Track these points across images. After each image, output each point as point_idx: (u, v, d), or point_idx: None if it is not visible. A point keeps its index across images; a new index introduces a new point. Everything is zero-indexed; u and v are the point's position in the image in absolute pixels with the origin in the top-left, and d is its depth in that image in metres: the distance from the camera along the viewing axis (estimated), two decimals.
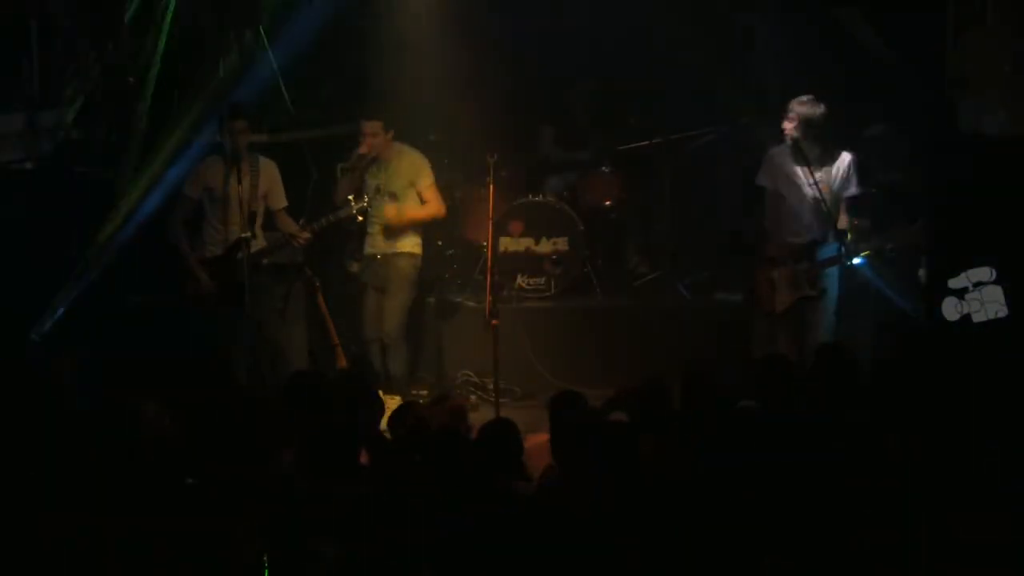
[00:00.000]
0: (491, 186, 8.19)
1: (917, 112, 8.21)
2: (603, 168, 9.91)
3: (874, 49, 8.65)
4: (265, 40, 8.93)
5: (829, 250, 7.85)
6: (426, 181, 8.58)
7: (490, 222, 8.22)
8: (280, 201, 8.30)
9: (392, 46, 9.54)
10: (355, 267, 9.08)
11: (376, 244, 8.66)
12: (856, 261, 7.78)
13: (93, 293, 8.31)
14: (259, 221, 8.20)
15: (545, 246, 9.57)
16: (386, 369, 8.61)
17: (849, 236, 7.81)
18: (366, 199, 8.32)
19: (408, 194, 8.55)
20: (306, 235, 8.16)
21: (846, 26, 8.77)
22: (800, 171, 7.86)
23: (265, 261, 8.21)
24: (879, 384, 6.15)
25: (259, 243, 8.16)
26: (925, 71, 8.07)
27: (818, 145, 7.87)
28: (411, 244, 8.64)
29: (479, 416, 7.41)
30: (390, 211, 8.53)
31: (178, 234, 8.18)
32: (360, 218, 8.32)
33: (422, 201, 8.59)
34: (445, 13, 9.56)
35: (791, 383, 6.27)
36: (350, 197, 8.29)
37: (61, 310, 8.21)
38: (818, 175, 7.79)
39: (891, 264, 7.98)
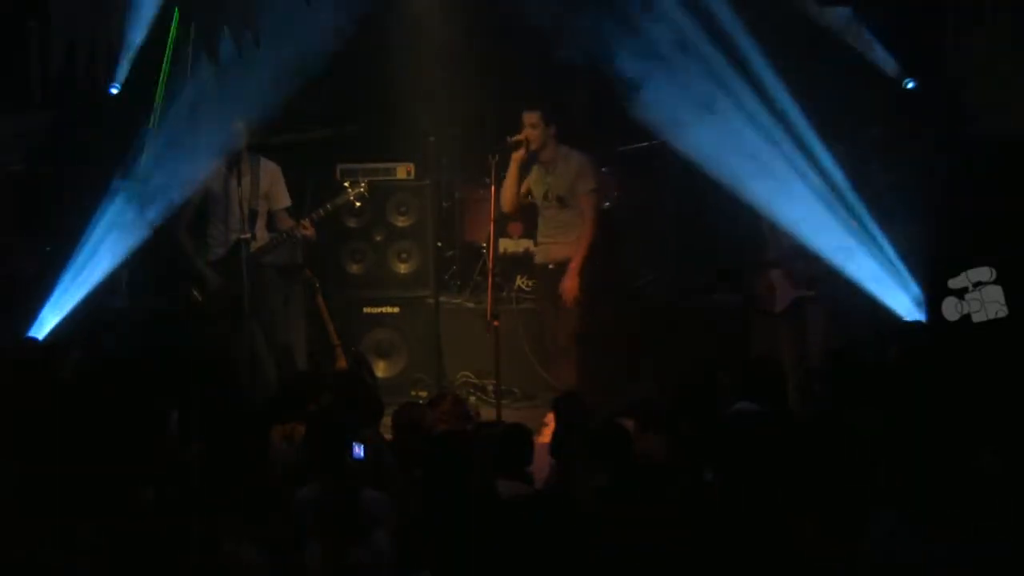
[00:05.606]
0: (492, 187, 8.18)
1: (918, 112, 8.21)
2: (603, 168, 9.88)
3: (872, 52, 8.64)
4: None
5: None
6: (588, 186, 8.37)
7: (491, 223, 8.21)
8: (282, 201, 8.29)
9: (394, 47, 9.50)
10: (355, 267, 9.03)
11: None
12: None
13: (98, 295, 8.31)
14: (261, 221, 8.19)
15: None
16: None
17: None
18: (362, 184, 8.27)
19: (573, 200, 8.38)
20: (308, 225, 8.09)
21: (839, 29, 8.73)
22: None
23: (266, 260, 8.20)
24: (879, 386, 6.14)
25: (260, 243, 8.16)
26: (925, 71, 8.08)
27: None
28: None
29: (479, 417, 7.40)
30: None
31: (182, 237, 8.19)
32: (358, 204, 8.29)
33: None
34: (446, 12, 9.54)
35: (785, 384, 6.28)
36: (346, 183, 8.26)
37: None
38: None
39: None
